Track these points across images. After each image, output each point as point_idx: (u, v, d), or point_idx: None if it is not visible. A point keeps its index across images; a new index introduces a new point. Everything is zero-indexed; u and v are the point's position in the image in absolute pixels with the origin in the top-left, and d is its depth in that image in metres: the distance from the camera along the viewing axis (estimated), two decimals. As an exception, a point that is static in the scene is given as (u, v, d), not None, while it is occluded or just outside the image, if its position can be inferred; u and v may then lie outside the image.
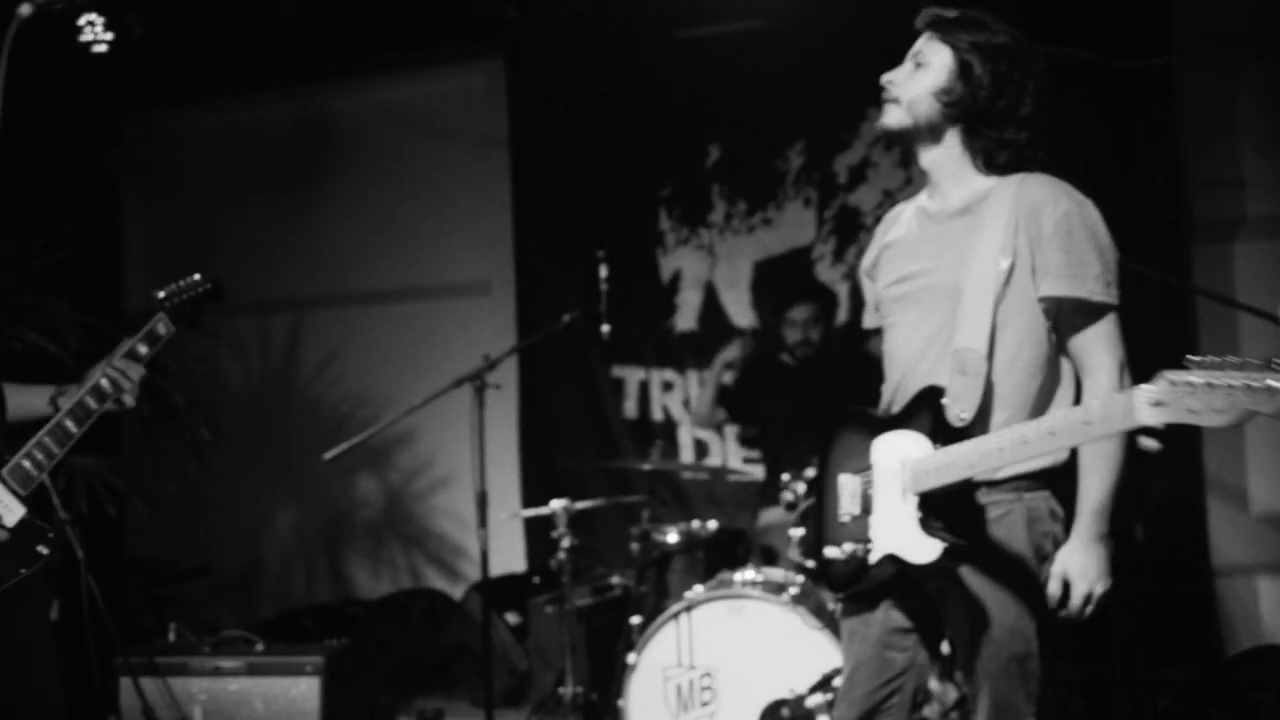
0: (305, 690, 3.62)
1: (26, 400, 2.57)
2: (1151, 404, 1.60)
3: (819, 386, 4.07)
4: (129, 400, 2.48)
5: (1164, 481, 4.10)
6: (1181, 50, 4.36)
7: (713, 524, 3.96)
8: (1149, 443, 1.61)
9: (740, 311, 5.06)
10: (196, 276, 2.67)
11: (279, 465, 5.67)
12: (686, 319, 5.14)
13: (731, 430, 4.89)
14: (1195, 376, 1.57)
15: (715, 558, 3.91)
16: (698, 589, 3.48)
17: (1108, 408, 1.69)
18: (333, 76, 5.68)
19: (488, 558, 3.84)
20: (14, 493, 2.29)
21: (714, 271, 5.09)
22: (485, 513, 3.81)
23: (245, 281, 5.75)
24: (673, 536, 3.89)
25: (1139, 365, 1.85)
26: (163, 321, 2.57)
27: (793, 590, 3.34)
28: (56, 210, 5.86)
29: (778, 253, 5.01)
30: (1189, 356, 1.58)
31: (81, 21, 4.93)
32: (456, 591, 5.24)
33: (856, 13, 4.43)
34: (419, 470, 5.50)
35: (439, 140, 5.59)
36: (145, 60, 5.40)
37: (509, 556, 5.02)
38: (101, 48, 4.97)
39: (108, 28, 4.95)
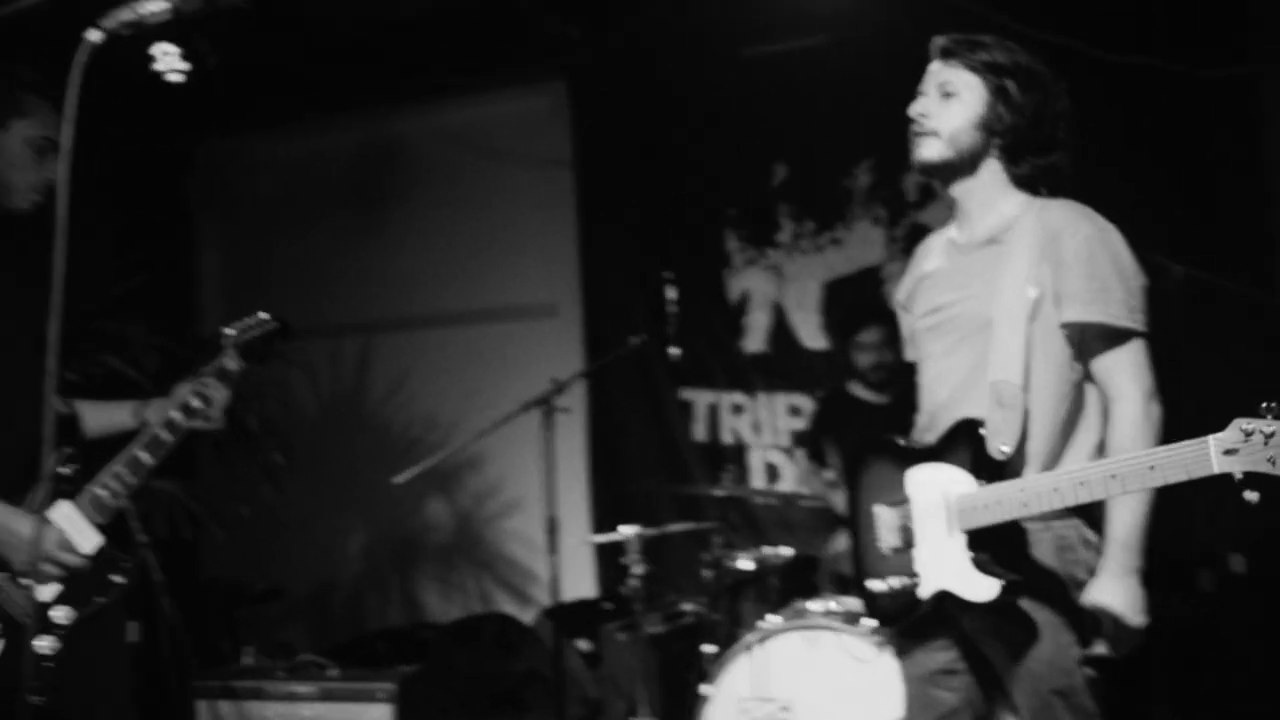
0: (378, 717, 3.62)
1: (110, 416, 2.60)
2: (1223, 452, 1.55)
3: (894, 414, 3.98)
4: (216, 416, 2.49)
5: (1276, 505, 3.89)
6: (1262, 58, 4.23)
7: (786, 550, 3.89)
8: (1250, 494, 1.54)
9: (810, 334, 5.00)
10: (264, 315, 2.66)
11: (350, 488, 5.71)
12: (755, 340, 5.09)
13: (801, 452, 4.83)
14: (1268, 425, 1.51)
15: (789, 585, 3.85)
16: (773, 619, 3.42)
17: (1176, 453, 1.62)
18: (398, 101, 5.74)
19: (559, 583, 3.81)
20: (91, 521, 2.30)
21: (782, 292, 5.03)
22: (555, 538, 3.79)
23: (316, 305, 5.86)
24: (746, 563, 3.83)
25: (1222, 386, 1.76)
26: (232, 358, 2.58)
27: (870, 621, 3.26)
28: (133, 238, 5.99)
29: (846, 273, 4.93)
30: (1266, 403, 1.52)
31: (155, 51, 5.04)
32: (527, 617, 5.22)
33: (918, 29, 4.33)
34: (488, 494, 5.50)
35: (504, 162, 5.62)
36: (218, 89, 5.50)
37: (579, 581, 4.99)
38: (176, 77, 5.07)
39: (183, 57, 5.06)
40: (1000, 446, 1.92)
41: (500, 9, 5.08)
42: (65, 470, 2.28)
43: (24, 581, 2.15)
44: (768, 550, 3.89)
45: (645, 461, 5.15)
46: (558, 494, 3.85)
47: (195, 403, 2.48)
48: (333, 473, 5.74)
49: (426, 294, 5.77)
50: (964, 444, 1.96)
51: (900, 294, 2.34)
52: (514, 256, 5.59)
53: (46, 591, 2.18)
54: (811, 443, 4.47)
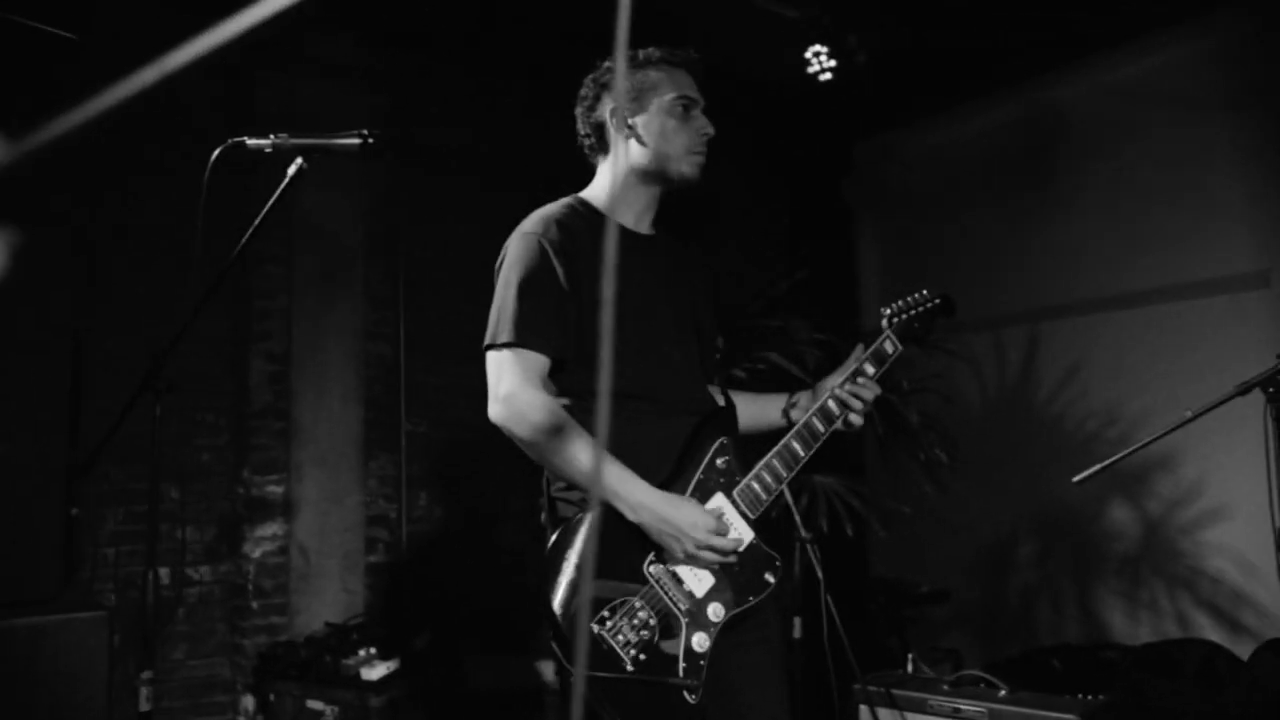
0: (1060, 748, 3.15)
1: (762, 410, 2.56)
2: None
3: None
4: (856, 420, 2.35)
5: None
6: None
7: None
8: None
9: None
10: (924, 292, 2.53)
11: (1020, 489, 5.25)
12: None
13: None
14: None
15: None
16: None
17: None
18: (1058, 64, 5.18)
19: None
20: (744, 516, 2.20)
21: None
22: (1285, 556, 3.00)
23: (979, 295, 5.51)
24: None
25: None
26: (890, 340, 2.45)
27: None
28: (797, 238, 6.18)
29: None
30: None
31: (808, 54, 5.09)
32: (1240, 648, 4.34)
33: None
34: (1184, 498, 4.68)
35: (1182, 115, 4.78)
36: (869, 88, 5.45)
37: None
38: (826, 76, 5.08)
39: (831, 55, 5.06)
40: None
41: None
42: (720, 462, 2.21)
43: (680, 572, 2.10)
44: None
45: None
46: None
47: (833, 406, 2.34)
48: (1002, 472, 5.33)
49: (1101, 273, 5.11)
50: None
51: None
52: (1208, 220, 4.71)
53: (700, 587, 2.11)
54: None
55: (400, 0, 4.57)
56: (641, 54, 2.38)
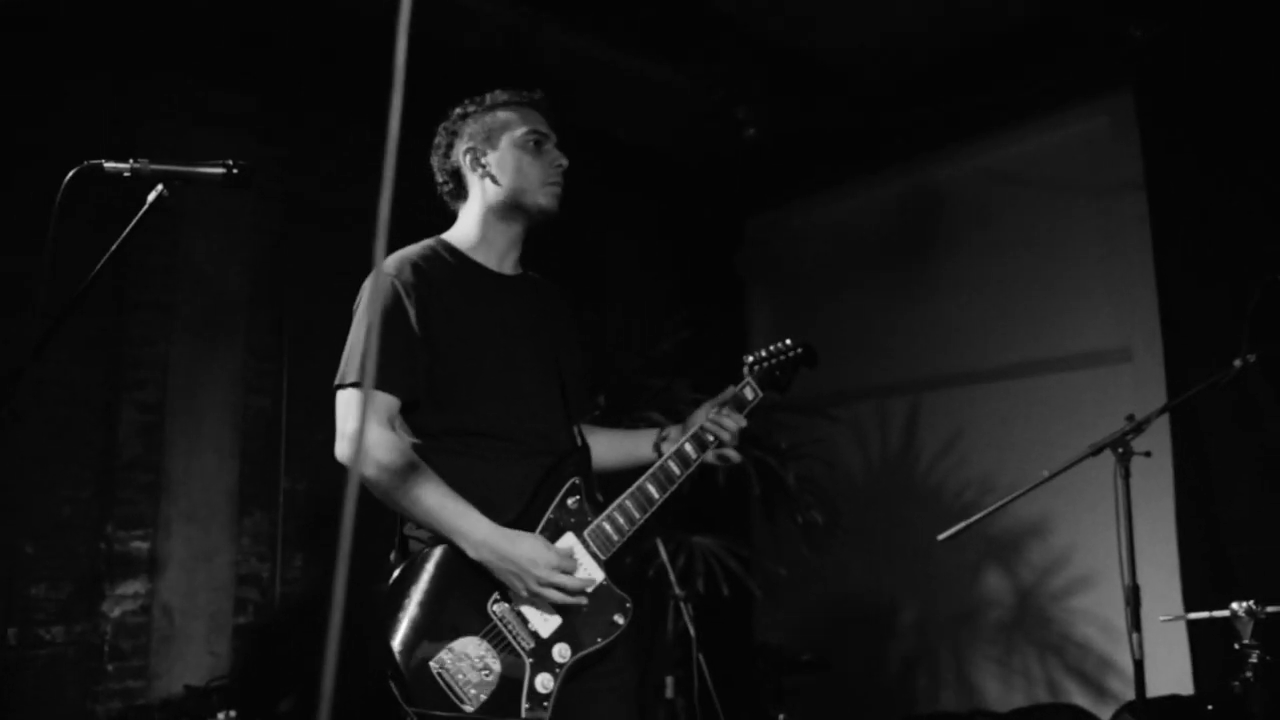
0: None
1: (635, 446, 2.55)
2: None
3: None
4: (731, 455, 2.38)
5: None
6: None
7: None
8: None
9: None
10: (787, 341, 2.61)
11: (901, 556, 5.32)
12: None
13: None
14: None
15: None
16: None
17: None
18: (940, 146, 5.40)
19: (1143, 670, 3.08)
20: (595, 556, 2.19)
21: None
22: (1138, 613, 3.07)
23: (863, 364, 5.65)
24: None
25: None
26: (750, 386, 2.50)
27: None
28: (685, 303, 6.27)
29: None
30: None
31: (701, 124, 5.24)
32: (1104, 712, 4.42)
33: None
34: (1054, 567, 4.80)
35: (1052, 200, 5.01)
36: (763, 160, 5.62)
37: (1170, 673, 4.09)
38: (719, 147, 5.23)
39: (723, 128, 5.21)
40: None
41: (1047, 25, 4.60)
42: (571, 502, 2.20)
43: (526, 612, 2.07)
44: None
45: (1254, 517, 4.11)
46: (1140, 562, 3.12)
47: (708, 435, 2.37)
48: (883, 538, 5.40)
49: (978, 346, 5.28)
50: None
51: None
52: (1076, 298, 4.92)
53: (546, 627, 2.08)
54: None
55: (305, 66, 4.58)
56: (489, 97, 2.43)
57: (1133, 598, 3.06)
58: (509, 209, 2.37)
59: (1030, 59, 4.84)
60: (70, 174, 2.21)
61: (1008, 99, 4.95)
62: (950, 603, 5.18)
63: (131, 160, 2.22)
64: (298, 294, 4.81)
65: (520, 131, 2.38)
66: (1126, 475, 3.10)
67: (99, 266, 2.30)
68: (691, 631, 3.51)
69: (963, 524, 3.31)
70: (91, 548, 4.27)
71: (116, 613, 4.22)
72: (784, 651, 5.29)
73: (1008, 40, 4.83)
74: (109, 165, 2.21)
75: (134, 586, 4.27)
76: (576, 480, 2.24)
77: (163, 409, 4.43)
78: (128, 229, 2.28)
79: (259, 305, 4.74)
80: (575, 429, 2.41)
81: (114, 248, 2.30)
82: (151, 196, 2.25)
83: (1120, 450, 3.08)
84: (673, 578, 3.45)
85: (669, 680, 3.62)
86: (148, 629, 4.29)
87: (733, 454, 2.42)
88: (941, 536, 3.26)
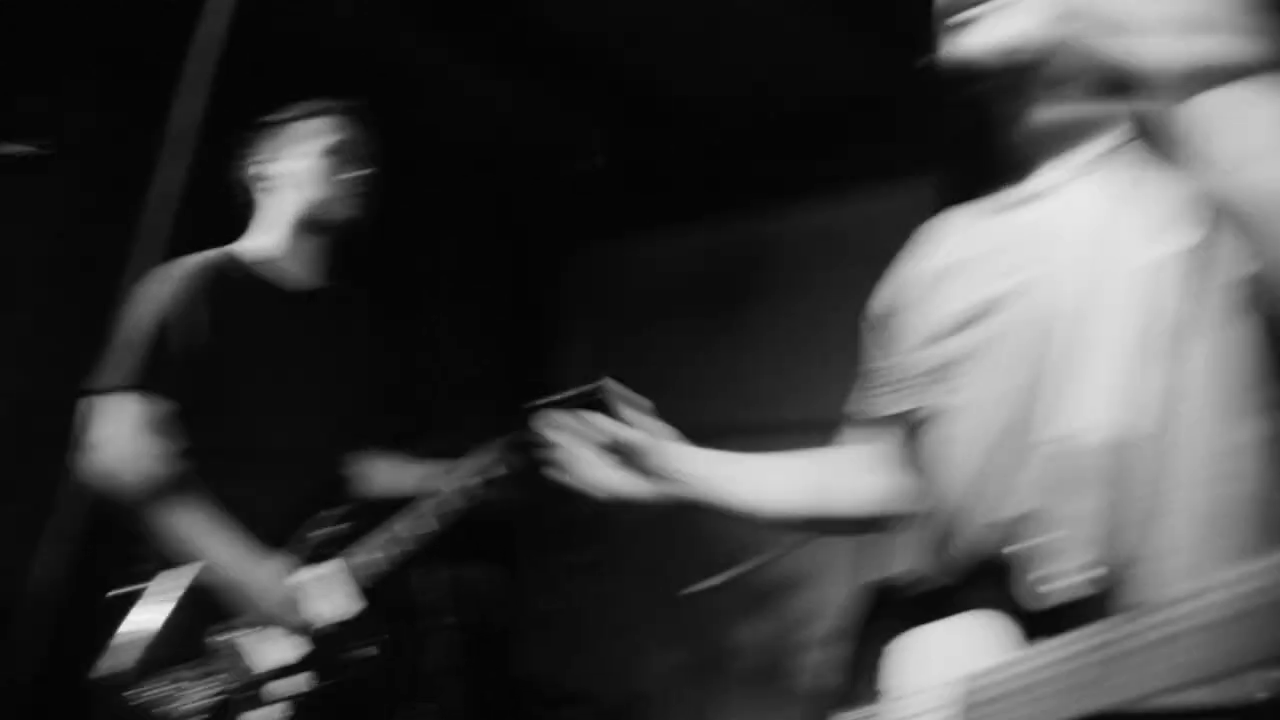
0: None
1: (399, 477, 2.56)
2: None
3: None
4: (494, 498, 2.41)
5: None
6: None
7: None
8: None
9: None
10: (587, 388, 2.59)
11: (665, 598, 5.46)
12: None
13: None
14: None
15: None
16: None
17: None
18: (776, 200, 5.58)
19: None
20: (349, 587, 2.19)
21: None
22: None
23: (667, 406, 5.75)
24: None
25: None
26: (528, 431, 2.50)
27: None
28: (504, 327, 6.28)
29: None
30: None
31: (545, 145, 5.28)
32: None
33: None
34: (801, 621, 5.03)
35: (873, 267, 5.25)
36: (605, 191, 5.70)
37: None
38: (563, 171, 5.25)
39: (571, 153, 5.27)
40: (1074, 571, 1.00)
41: (876, 103, 4.84)
42: (333, 530, 2.20)
43: (253, 642, 2.06)
44: None
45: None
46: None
47: (472, 484, 2.39)
48: (653, 579, 5.52)
49: (767, 400, 5.47)
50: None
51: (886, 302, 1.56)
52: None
53: (276, 658, 2.06)
54: None
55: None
56: (295, 107, 2.42)
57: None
58: (307, 221, 2.36)
59: (870, 134, 5.04)
60: None
61: (842, 164, 5.16)
62: (707, 648, 5.34)
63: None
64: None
65: (320, 142, 2.38)
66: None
67: None
68: (452, 661, 3.54)
69: (712, 580, 3.46)
70: None
71: None
72: (545, 684, 5.36)
73: (859, 108, 5.02)
74: None
75: None
76: (347, 508, 2.24)
77: None
78: None
79: None
80: (346, 453, 2.39)
81: None
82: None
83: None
84: (429, 607, 3.46)
85: (428, 712, 3.62)
86: None
87: (499, 506, 2.44)
88: (687, 590, 3.40)
